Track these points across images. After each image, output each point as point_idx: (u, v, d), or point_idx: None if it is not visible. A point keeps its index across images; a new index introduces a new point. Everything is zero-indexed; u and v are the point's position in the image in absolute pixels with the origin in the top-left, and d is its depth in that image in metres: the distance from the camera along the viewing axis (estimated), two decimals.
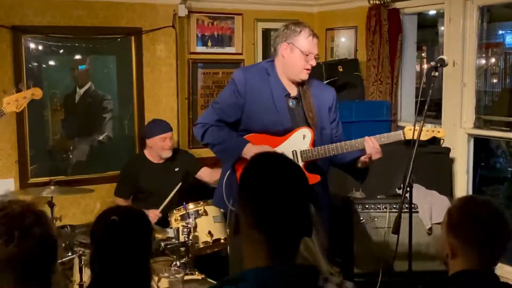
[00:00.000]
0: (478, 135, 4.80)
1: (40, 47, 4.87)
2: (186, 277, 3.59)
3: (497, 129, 4.80)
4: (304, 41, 3.25)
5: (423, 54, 11.31)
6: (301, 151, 3.26)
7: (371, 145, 3.19)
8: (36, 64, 4.86)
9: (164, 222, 4.25)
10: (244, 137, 3.32)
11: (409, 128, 3.24)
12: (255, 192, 1.51)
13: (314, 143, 3.27)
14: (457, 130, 4.74)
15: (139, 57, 5.18)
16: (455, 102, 4.74)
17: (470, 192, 4.79)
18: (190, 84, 5.61)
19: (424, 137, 3.20)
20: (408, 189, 3.10)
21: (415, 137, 3.17)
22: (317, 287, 1.53)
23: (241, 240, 1.54)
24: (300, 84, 3.35)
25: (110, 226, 2.14)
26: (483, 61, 10.05)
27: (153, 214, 4.35)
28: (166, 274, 3.41)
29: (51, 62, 4.98)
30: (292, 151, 3.25)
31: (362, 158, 3.25)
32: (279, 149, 3.20)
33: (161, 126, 4.67)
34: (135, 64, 5.17)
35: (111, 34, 5.07)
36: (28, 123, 4.80)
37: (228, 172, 3.40)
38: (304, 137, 3.28)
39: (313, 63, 3.28)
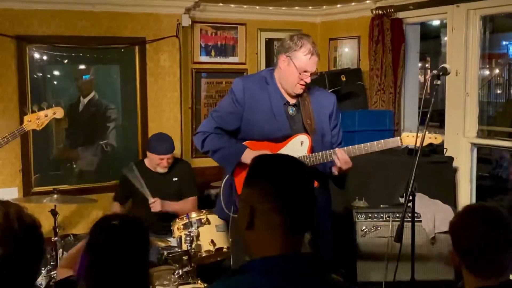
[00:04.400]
0: (481, 145, 4.80)
1: (45, 57, 4.90)
2: (188, 286, 3.59)
3: (500, 139, 4.80)
4: (302, 58, 3.24)
5: (426, 65, 11.33)
6: (299, 157, 3.25)
7: (339, 156, 3.19)
8: (40, 73, 4.89)
9: (166, 231, 4.24)
10: (243, 143, 3.34)
11: (406, 135, 3.25)
12: (275, 175, 1.54)
13: (312, 150, 3.28)
14: (460, 139, 4.74)
15: (143, 67, 5.20)
16: (458, 111, 4.74)
17: (474, 201, 4.77)
18: (193, 93, 5.63)
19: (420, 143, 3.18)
20: (410, 198, 3.09)
21: (411, 143, 3.17)
22: (326, 276, 1.55)
23: (253, 232, 1.53)
24: (301, 94, 3.35)
25: (110, 231, 2.14)
26: (487, 72, 10.07)
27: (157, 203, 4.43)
28: (165, 283, 3.41)
29: (55, 72, 5.00)
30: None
31: (333, 168, 3.26)
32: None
33: (163, 146, 4.62)
34: (138, 73, 5.20)
35: (115, 44, 5.10)
36: (32, 133, 4.81)
37: (226, 178, 3.42)
38: (302, 144, 3.29)
39: (307, 80, 3.28)
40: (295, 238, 1.53)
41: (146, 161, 4.73)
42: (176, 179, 4.72)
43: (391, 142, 3.27)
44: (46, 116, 3.87)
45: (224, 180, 3.45)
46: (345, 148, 3.23)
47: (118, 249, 2.12)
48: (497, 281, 1.98)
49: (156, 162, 4.62)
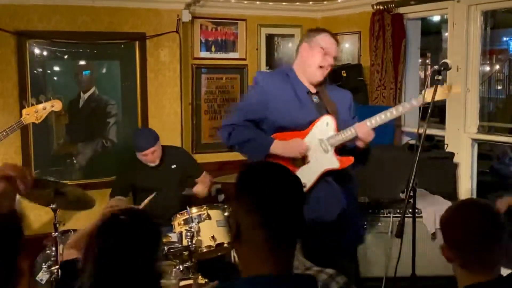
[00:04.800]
0: (482, 140, 4.79)
1: (45, 53, 4.89)
2: (189, 282, 3.59)
3: (501, 134, 4.80)
4: (324, 39, 3.33)
5: (427, 61, 11.32)
6: (327, 138, 3.26)
7: (360, 130, 3.20)
8: (40, 69, 4.88)
9: (164, 222, 4.23)
10: (271, 136, 3.32)
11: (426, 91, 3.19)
12: (258, 189, 1.52)
13: (338, 129, 3.27)
14: (461, 135, 4.73)
15: (143, 62, 5.19)
16: (459, 107, 4.73)
17: (475, 197, 4.76)
18: (193, 89, 5.63)
19: (439, 96, 3.12)
20: (411, 193, 3.08)
21: (429, 100, 3.08)
22: None
23: (240, 247, 1.53)
24: (317, 86, 3.39)
25: (119, 226, 2.11)
26: (487, 68, 10.06)
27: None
28: (163, 281, 3.40)
29: (56, 67, 4.99)
30: (319, 140, 3.26)
31: (357, 143, 3.25)
32: (306, 140, 3.25)
33: (142, 142, 4.52)
34: (139, 69, 5.19)
35: (115, 39, 5.09)
36: (32, 128, 4.82)
37: None
38: (327, 124, 3.28)
39: (331, 61, 3.32)
40: (283, 252, 1.51)
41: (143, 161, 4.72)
42: (174, 166, 4.66)
43: (415, 101, 3.22)
44: (44, 109, 3.85)
45: None
46: (367, 120, 3.21)
47: (128, 247, 2.08)
48: (489, 276, 1.99)
49: (143, 159, 4.59)
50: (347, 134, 3.24)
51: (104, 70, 5.16)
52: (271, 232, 1.48)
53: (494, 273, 2.02)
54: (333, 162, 3.27)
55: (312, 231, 3.09)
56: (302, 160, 3.27)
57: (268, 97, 3.30)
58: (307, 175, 3.25)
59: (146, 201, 4.32)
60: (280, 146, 3.24)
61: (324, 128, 3.29)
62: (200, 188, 4.67)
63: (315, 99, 3.38)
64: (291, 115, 3.30)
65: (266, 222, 1.48)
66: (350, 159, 3.25)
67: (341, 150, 3.32)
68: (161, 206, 4.39)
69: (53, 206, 3.71)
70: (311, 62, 3.32)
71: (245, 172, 1.60)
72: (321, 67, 3.31)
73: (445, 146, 4.80)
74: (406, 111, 3.29)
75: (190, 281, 3.56)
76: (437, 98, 3.06)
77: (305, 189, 3.25)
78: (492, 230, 2.01)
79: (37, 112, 3.82)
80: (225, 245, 4.02)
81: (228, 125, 3.35)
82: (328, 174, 3.28)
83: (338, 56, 3.41)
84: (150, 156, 4.52)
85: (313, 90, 3.38)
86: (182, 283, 3.56)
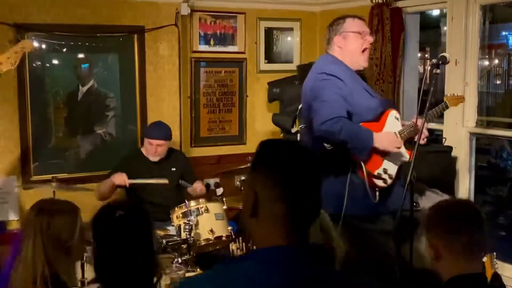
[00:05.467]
0: (480, 134, 4.80)
1: (43, 45, 4.89)
2: (188, 275, 3.60)
3: (499, 128, 4.80)
4: (352, 23, 3.37)
5: (426, 55, 11.32)
6: (399, 131, 3.33)
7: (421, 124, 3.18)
8: (39, 62, 4.87)
9: (165, 219, 4.24)
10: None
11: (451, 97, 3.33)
12: (280, 163, 1.50)
13: (414, 122, 3.34)
14: (459, 129, 4.74)
15: (142, 56, 5.19)
16: None
17: (473, 191, 4.78)
18: (192, 82, 5.62)
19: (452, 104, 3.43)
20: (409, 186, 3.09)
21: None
22: (331, 269, 1.54)
23: (257, 221, 1.50)
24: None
25: (116, 221, 2.13)
26: (486, 62, 10.06)
27: (121, 176, 4.45)
28: (167, 271, 3.42)
29: (54, 60, 4.99)
30: (394, 133, 3.32)
31: (421, 139, 3.21)
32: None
33: (154, 131, 4.63)
34: (137, 62, 5.19)
35: (114, 32, 5.08)
36: (31, 121, 4.82)
37: (349, 174, 3.32)
38: (396, 118, 3.39)
39: (370, 39, 3.39)
40: (301, 229, 1.50)
41: (143, 149, 4.73)
42: (174, 169, 4.71)
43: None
44: (16, 52, 3.80)
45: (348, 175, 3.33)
46: (420, 117, 3.26)
47: (124, 239, 2.11)
48: (472, 270, 2.09)
49: (147, 147, 4.62)
50: (409, 127, 3.32)
51: (102, 63, 5.16)
52: (292, 206, 1.47)
53: (477, 268, 2.14)
54: (405, 155, 3.35)
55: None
56: (385, 152, 3.30)
57: (347, 88, 3.28)
58: (391, 167, 3.33)
59: (156, 180, 4.37)
60: (379, 139, 3.22)
61: (394, 121, 3.37)
62: (198, 189, 4.70)
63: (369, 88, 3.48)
64: (370, 108, 3.36)
65: (286, 196, 1.47)
66: (412, 153, 3.23)
67: None
68: (155, 203, 4.40)
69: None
70: (353, 51, 3.35)
71: (266, 145, 1.58)
72: (363, 50, 3.36)
73: (443, 140, 4.81)
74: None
75: (190, 274, 3.58)
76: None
77: (391, 180, 3.36)
78: (474, 217, 2.15)
79: (9, 58, 3.78)
80: (224, 238, 4.04)
81: (335, 118, 3.15)
82: None
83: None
84: (154, 148, 4.57)
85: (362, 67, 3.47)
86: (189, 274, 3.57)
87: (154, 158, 4.62)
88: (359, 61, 3.40)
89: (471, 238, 2.10)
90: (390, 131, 3.30)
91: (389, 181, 3.36)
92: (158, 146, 4.58)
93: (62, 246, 2.38)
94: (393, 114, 3.37)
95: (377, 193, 3.34)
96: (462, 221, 2.12)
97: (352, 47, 3.37)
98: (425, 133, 3.29)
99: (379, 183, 3.34)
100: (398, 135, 3.32)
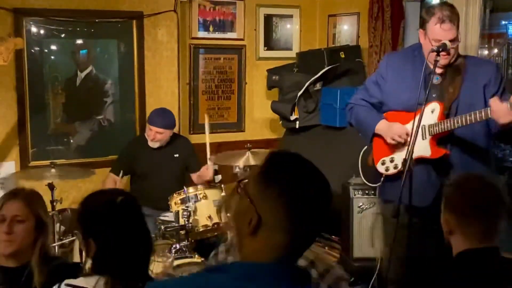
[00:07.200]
0: None
1: (42, 31, 4.86)
2: (186, 260, 3.61)
3: None
4: (432, 28, 3.22)
5: None
6: (428, 125, 3.28)
7: (495, 109, 3.02)
8: (37, 48, 4.85)
9: (164, 205, 4.25)
10: (383, 114, 3.47)
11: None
12: (291, 187, 1.39)
13: (446, 117, 3.25)
14: None
15: (141, 42, 5.16)
16: None
17: None
18: (191, 69, 5.60)
19: None
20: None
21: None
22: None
23: (253, 239, 1.41)
24: (453, 62, 3.31)
25: (111, 211, 2.13)
26: (486, 52, 10.04)
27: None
28: (158, 259, 3.41)
29: (53, 46, 4.96)
30: (422, 126, 3.26)
31: (497, 125, 3.12)
32: (410, 125, 3.24)
33: (155, 118, 4.60)
34: (136, 48, 5.16)
35: (113, 18, 5.05)
36: (29, 106, 4.80)
37: (364, 148, 3.79)
38: (432, 112, 3.27)
39: (449, 45, 3.18)
40: (296, 254, 1.44)
41: (146, 135, 4.74)
42: (177, 155, 4.71)
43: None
44: (8, 49, 3.87)
45: (363, 149, 3.84)
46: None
47: (112, 226, 2.11)
48: (483, 243, 2.04)
49: (147, 133, 4.63)
50: (450, 123, 3.19)
51: (101, 49, 5.14)
52: (295, 238, 1.40)
53: (489, 244, 2.07)
54: (425, 150, 3.29)
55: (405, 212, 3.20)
56: (403, 143, 3.34)
57: (384, 81, 3.45)
58: (399, 158, 3.30)
59: None
60: (384, 128, 3.40)
61: (429, 115, 3.28)
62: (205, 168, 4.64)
63: (436, 79, 3.30)
64: (400, 99, 3.37)
65: (294, 231, 1.38)
66: (441, 151, 3.25)
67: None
68: (158, 190, 4.41)
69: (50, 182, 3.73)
70: (426, 49, 3.25)
71: (276, 162, 1.45)
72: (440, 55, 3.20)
73: None
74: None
75: (187, 260, 3.59)
76: None
77: (395, 171, 3.38)
78: (493, 205, 2.07)
79: (1, 54, 3.82)
80: (222, 224, 4.04)
81: (349, 104, 3.63)
82: (428, 162, 3.29)
83: (452, 36, 3.20)
84: (154, 134, 4.57)
85: (440, 70, 3.29)
86: (178, 261, 3.58)
87: (153, 145, 4.61)
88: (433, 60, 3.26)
89: (486, 227, 2.04)
90: (398, 123, 3.35)
91: (393, 170, 3.40)
92: (158, 133, 4.57)
93: None
94: (430, 107, 3.26)
95: (382, 178, 3.48)
96: (479, 208, 2.04)
97: (426, 49, 3.25)
98: (498, 117, 3.05)
99: (381, 169, 3.46)
100: (426, 129, 3.27)
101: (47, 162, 4.41)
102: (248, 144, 4.43)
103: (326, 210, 1.42)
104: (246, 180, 1.46)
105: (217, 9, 5.64)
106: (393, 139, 3.34)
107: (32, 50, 4.81)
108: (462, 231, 2.07)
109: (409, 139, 3.09)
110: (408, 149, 3.02)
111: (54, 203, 3.98)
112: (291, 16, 6.00)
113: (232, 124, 5.87)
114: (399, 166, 3.33)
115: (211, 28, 5.64)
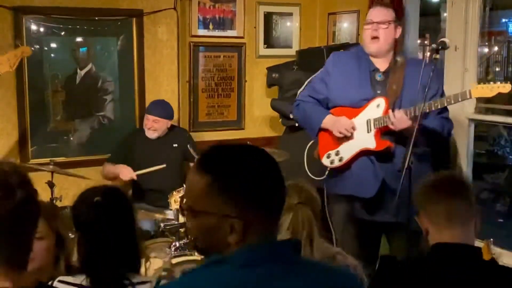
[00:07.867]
0: (479, 120, 4.79)
1: (41, 29, 4.86)
2: (185, 258, 3.61)
3: (498, 115, 4.80)
4: (369, 11, 3.59)
5: (426, 42, 11.30)
6: (374, 119, 3.46)
7: (395, 115, 3.36)
8: (37, 46, 4.85)
9: (163, 203, 4.25)
10: (330, 110, 3.64)
11: (476, 86, 3.31)
12: (254, 178, 1.42)
13: (389, 112, 3.42)
14: (458, 115, 4.72)
15: (140, 39, 5.16)
16: (456, 87, 4.72)
17: (470, 178, 4.78)
18: (191, 67, 5.60)
19: (489, 93, 3.32)
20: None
21: (483, 95, 3.36)
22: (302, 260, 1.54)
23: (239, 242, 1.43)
24: (394, 61, 3.58)
25: (94, 207, 2.15)
26: (486, 49, 10.05)
27: (127, 170, 4.51)
28: (153, 255, 3.41)
29: (52, 44, 4.97)
30: (367, 120, 3.49)
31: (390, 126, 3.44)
32: (356, 119, 3.52)
33: (152, 106, 4.77)
34: (136, 46, 5.16)
35: (113, 15, 5.05)
36: (29, 104, 4.81)
37: (310, 143, 3.91)
38: (378, 106, 3.48)
39: (375, 27, 3.53)
40: (272, 227, 1.48)
41: (144, 125, 4.79)
42: (176, 145, 4.76)
43: (460, 96, 3.34)
44: (16, 56, 3.97)
45: (309, 144, 3.95)
46: (408, 109, 3.35)
47: (103, 224, 2.12)
48: (457, 238, 2.08)
49: (145, 122, 4.73)
50: (389, 118, 3.39)
51: (101, 47, 5.14)
52: (270, 222, 1.46)
53: (464, 238, 2.11)
54: (370, 142, 3.48)
55: (348, 204, 3.57)
56: (348, 136, 3.53)
57: (329, 78, 3.63)
58: (347, 151, 3.54)
59: (156, 167, 4.41)
60: (330, 122, 3.57)
61: (375, 109, 3.48)
62: None
63: (379, 76, 3.55)
64: (347, 95, 3.56)
65: (261, 205, 1.42)
66: (386, 143, 3.44)
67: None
68: (158, 182, 4.41)
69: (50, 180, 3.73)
70: (364, 37, 3.59)
71: (227, 159, 1.45)
72: (372, 38, 3.53)
73: None
74: (455, 102, 3.41)
75: (186, 258, 3.59)
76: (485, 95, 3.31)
77: (340, 163, 3.57)
78: (454, 186, 2.17)
79: (9, 60, 3.88)
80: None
81: (296, 101, 3.83)
82: (371, 153, 3.49)
83: (381, 18, 3.55)
84: (150, 123, 4.66)
85: (383, 67, 3.55)
86: (178, 259, 3.58)
87: (150, 134, 4.67)
88: (367, 46, 3.59)
89: (449, 206, 2.10)
90: (344, 117, 3.52)
91: (338, 163, 3.59)
92: (154, 122, 4.68)
93: None
94: (376, 102, 3.48)
95: (327, 171, 3.71)
96: (441, 191, 2.14)
97: (363, 34, 3.64)
98: (396, 124, 3.34)
99: (326, 162, 3.66)
100: (371, 122, 3.47)
101: (47, 160, 4.42)
102: (248, 142, 4.42)
103: (278, 170, 1.46)
104: (186, 201, 1.46)
105: (217, 7, 5.64)
106: (340, 132, 3.51)
107: (32, 48, 4.79)
108: (431, 221, 2.13)
109: (409, 140, 3.10)
110: (408, 149, 3.04)
111: (54, 201, 3.99)
112: (291, 14, 6.00)
113: (232, 122, 5.87)
114: (344, 159, 3.53)
115: (211, 26, 5.64)
